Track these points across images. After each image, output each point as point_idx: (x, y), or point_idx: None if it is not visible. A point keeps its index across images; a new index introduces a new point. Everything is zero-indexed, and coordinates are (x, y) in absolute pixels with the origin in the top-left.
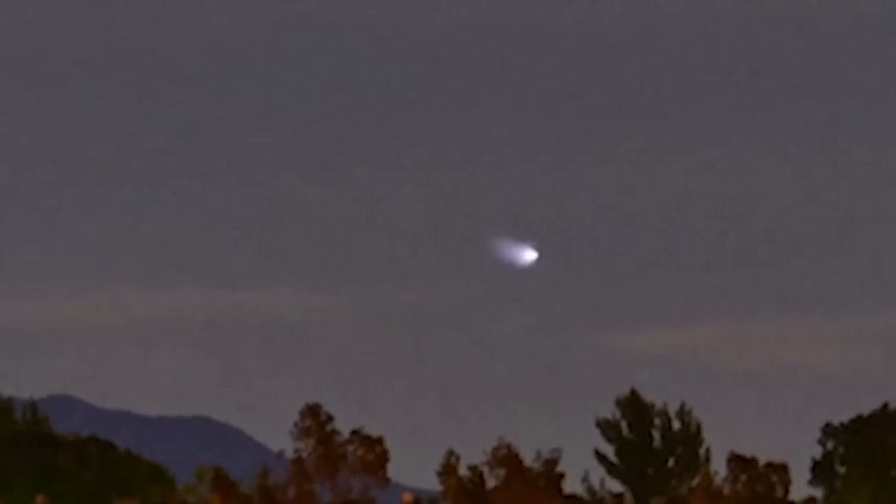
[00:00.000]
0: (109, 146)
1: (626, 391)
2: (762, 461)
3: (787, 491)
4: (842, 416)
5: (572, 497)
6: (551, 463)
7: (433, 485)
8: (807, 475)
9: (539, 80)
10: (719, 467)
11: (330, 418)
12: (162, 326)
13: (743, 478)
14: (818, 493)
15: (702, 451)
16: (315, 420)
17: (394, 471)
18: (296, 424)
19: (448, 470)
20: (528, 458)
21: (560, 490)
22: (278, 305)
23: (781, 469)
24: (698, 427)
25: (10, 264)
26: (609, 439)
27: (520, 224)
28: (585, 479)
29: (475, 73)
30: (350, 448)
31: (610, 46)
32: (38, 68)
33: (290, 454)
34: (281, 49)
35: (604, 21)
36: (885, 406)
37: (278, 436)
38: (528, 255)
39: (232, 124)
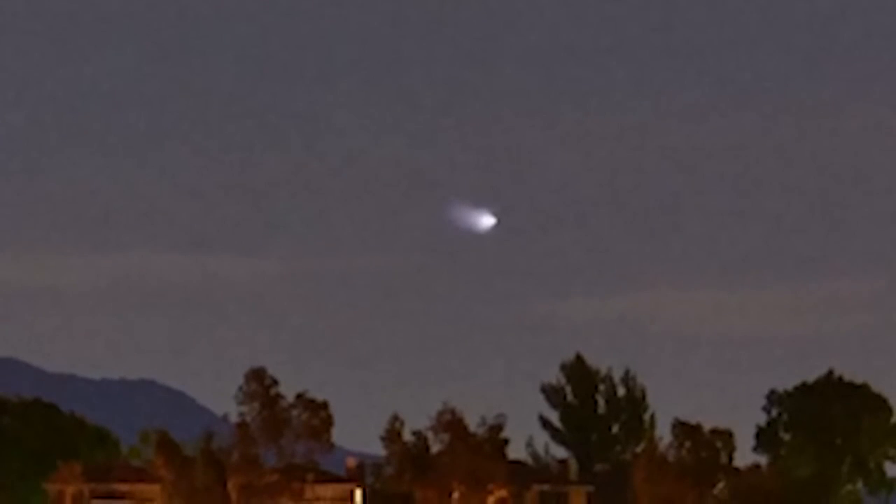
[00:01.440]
0: (59, 109)
1: (571, 357)
2: (707, 427)
3: (731, 457)
4: (786, 383)
5: (517, 462)
6: (496, 428)
7: (377, 449)
8: (751, 442)
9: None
10: (664, 433)
11: (275, 382)
12: (107, 290)
13: (687, 444)
14: (763, 459)
15: (646, 418)
16: (260, 384)
17: (338, 435)
18: (240, 388)
19: (392, 435)
20: (472, 424)
21: (504, 455)
22: (225, 270)
23: (726, 435)
24: (643, 393)
25: None
26: (554, 405)
27: (476, 190)
28: (530, 444)
29: (433, 36)
30: (294, 412)
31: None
32: None
33: (234, 418)
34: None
35: None
36: (830, 373)
37: (223, 399)
38: (484, 222)
39: (182, 87)
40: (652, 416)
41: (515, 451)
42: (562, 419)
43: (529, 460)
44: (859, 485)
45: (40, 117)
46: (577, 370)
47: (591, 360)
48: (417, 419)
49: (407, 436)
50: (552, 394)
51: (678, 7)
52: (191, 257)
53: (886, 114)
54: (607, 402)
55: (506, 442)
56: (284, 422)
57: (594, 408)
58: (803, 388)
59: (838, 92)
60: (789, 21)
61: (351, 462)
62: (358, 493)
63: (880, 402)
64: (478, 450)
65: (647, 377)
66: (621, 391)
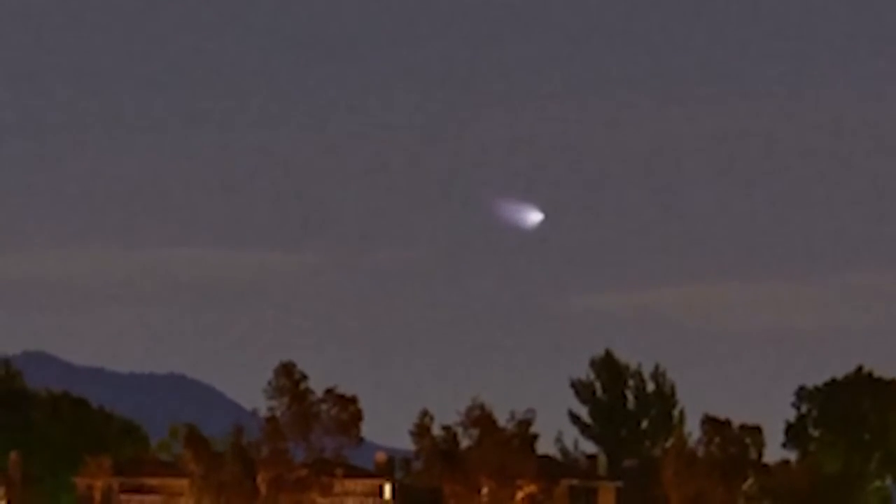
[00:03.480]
0: (91, 99)
1: (600, 352)
2: (736, 423)
3: (760, 454)
4: (816, 380)
5: (546, 457)
6: (525, 423)
7: (406, 444)
8: (781, 438)
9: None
10: (693, 429)
11: (304, 377)
12: (136, 284)
13: (717, 440)
14: (792, 455)
15: (675, 413)
16: (289, 379)
17: (367, 430)
18: (270, 383)
19: (421, 430)
20: (501, 419)
21: (533, 450)
22: (255, 264)
23: (755, 431)
24: (672, 388)
25: None
26: (583, 400)
27: (511, 184)
28: (559, 439)
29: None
30: (324, 407)
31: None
32: None
33: (263, 412)
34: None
35: None
36: (860, 369)
37: (252, 394)
38: (520, 216)
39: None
40: (681, 412)
41: (545, 447)
42: (591, 414)
43: (558, 455)
44: (888, 481)
45: (72, 109)
46: (607, 365)
47: (621, 355)
48: (447, 414)
49: (436, 431)
50: (582, 389)
51: None
52: (220, 251)
53: None
54: (636, 397)
55: (535, 437)
56: (314, 416)
57: (623, 403)
58: (832, 384)
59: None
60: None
61: (380, 457)
62: (387, 488)
63: None
64: (507, 445)
65: (676, 372)
66: (651, 386)
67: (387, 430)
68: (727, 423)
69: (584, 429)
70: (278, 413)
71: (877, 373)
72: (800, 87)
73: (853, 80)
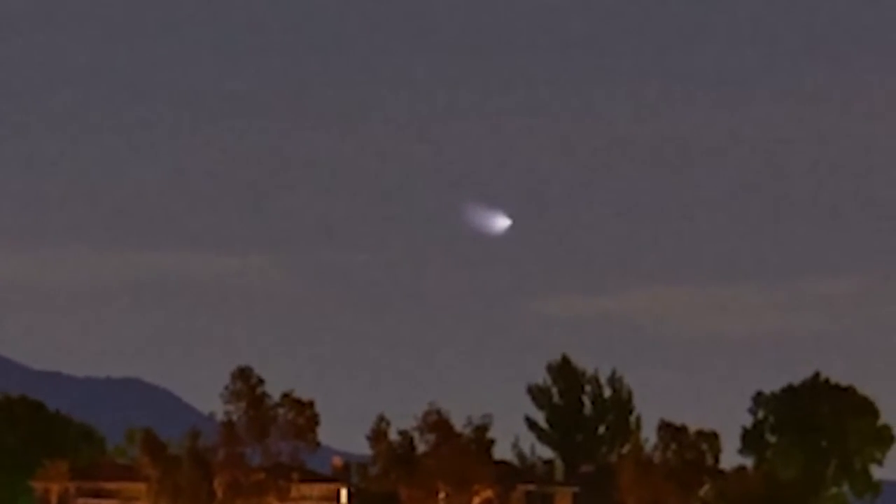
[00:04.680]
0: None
1: (557, 357)
2: (693, 429)
3: (717, 459)
4: (773, 386)
5: (502, 463)
6: (482, 429)
7: (363, 449)
8: (737, 444)
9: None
10: (650, 435)
11: (261, 381)
12: (92, 288)
13: (673, 446)
14: (748, 461)
15: (632, 419)
16: (246, 383)
17: (324, 435)
18: (226, 387)
19: (378, 435)
20: (458, 424)
21: (490, 456)
22: (211, 268)
23: (712, 437)
24: (629, 394)
25: None
26: (540, 406)
27: (471, 189)
28: (516, 445)
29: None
30: (280, 411)
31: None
32: None
33: (220, 417)
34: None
35: None
36: (816, 375)
37: (209, 398)
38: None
39: (187, 76)
40: (638, 418)
41: (501, 452)
42: (548, 420)
43: (515, 461)
44: (845, 487)
45: (33, 111)
46: (564, 371)
47: (578, 360)
48: (403, 419)
49: (393, 435)
50: (538, 394)
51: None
52: (176, 255)
53: (874, 114)
54: (593, 403)
55: (492, 442)
56: (270, 421)
57: (580, 409)
58: (789, 390)
59: (825, 90)
60: None
61: (337, 461)
62: (343, 493)
63: (866, 405)
64: (464, 450)
65: (633, 378)
66: (607, 392)
67: (343, 434)
68: (684, 428)
69: (541, 434)
70: (235, 417)
71: (834, 379)
72: (754, 90)
73: (817, 89)
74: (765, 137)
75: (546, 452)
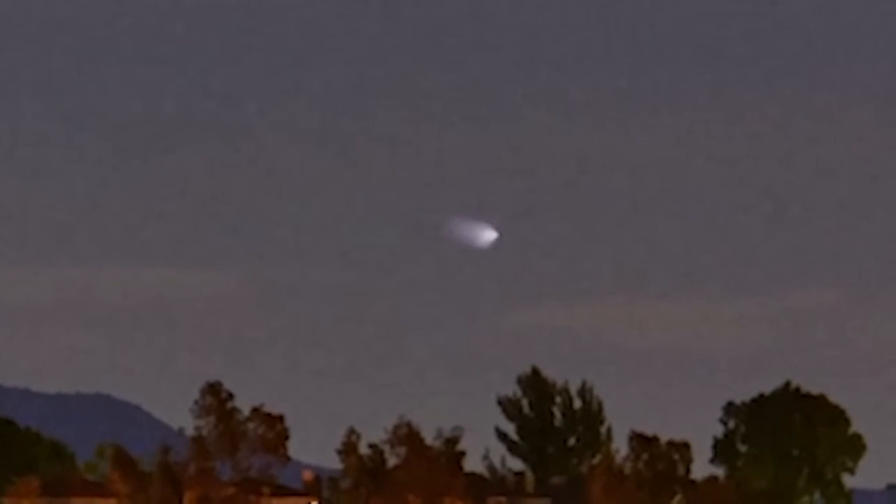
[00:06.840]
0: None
1: (527, 369)
2: (664, 439)
3: (688, 470)
4: (743, 395)
5: (473, 475)
6: (452, 441)
7: (334, 463)
8: (709, 454)
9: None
10: (621, 446)
11: (230, 396)
12: (61, 304)
13: (644, 456)
14: (720, 471)
15: (603, 430)
16: (215, 397)
17: (294, 449)
18: (196, 402)
19: (348, 448)
20: (428, 437)
21: (461, 468)
22: (180, 283)
23: (683, 447)
24: (600, 405)
25: None
26: (510, 417)
27: (442, 201)
28: (486, 457)
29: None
30: (250, 426)
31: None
32: None
33: (190, 432)
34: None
35: None
36: (787, 385)
37: (178, 413)
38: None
39: (143, 95)
40: (609, 429)
41: (472, 464)
42: (518, 432)
43: (486, 473)
44: (817, 496)
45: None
46: (534, 382)
47: (548, 372)
48: (374, 432)
49: (363, 449)
50: (509, 406)
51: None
52: (146, 271)
53: (848, 126)
54: (564, 414)
55: (462, 455)
56: (240, 435)
57: (551, 420)
58: (760, 400)
59: (790, 101)
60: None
61: (307, 475)
62: None
63: (837, 414)
64: (434, 463)
65: (603, 389)
66: (578, 404)
67: (314, 448)
68: (655, 439)
69: (512, 446)
70: (205, 432)
71: (804, 388)
72: (723, 103)
73: (798, 98)
74: (733, 151)
75: (517, 464)
